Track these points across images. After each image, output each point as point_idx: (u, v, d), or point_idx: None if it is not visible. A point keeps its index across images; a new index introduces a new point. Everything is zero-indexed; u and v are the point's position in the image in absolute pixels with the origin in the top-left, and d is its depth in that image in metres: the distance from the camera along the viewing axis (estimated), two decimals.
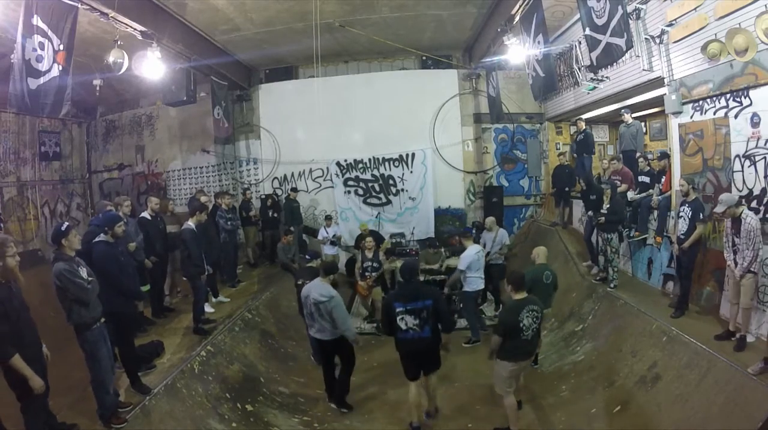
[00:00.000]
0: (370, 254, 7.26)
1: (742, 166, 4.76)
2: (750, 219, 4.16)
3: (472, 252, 6.39)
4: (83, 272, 3.61)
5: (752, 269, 4.17)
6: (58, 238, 3.56)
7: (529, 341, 4.14)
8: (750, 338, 4.32)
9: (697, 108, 5.34)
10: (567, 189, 8.84)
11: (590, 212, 7.02)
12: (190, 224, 5.78)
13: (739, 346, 4.21)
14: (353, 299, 8.39)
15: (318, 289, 4.81)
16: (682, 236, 5.05)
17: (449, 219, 10.56)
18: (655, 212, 6.25)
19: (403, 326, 4.15)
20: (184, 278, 6.02)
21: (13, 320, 3.11)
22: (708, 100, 5.15)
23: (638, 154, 7.15)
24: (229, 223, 7.71)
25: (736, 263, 4.28)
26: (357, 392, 5.31)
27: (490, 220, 7.52)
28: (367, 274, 7.18)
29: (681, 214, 5.11)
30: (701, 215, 4.94)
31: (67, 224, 3.69)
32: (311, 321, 4.97)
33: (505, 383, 4.25)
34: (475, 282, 6.46)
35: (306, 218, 10.42)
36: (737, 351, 4.16)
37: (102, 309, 3.72)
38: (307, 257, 6.29)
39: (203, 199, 7.30)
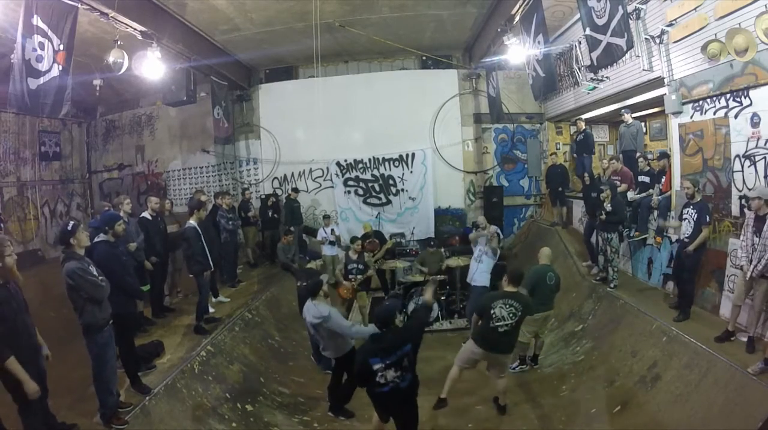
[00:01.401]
0: (355, 256, 7.06)
1: (742, 166, 4.75)
2: None
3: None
4: (94, 271, 3.61)
5: (766, 275, 4.00)
6: (65, 238, 3.54)
7: (499, 334, 4.26)
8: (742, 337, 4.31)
9: (697, 108, 5.34)
10: (560, 189, 8.86)
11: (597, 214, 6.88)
12: (192, 222, 5.89)
13: (749, 347, 4.11)
14: (352, 303, 8.36)
15: (311, 312, 4.63)
16: (686, 239, 4.96)
17: (449, 219, 10.57)
18: (655, 212, 6.24)
19: (383, 381, 3.54)
20: (191, 275, 6.06)
21: (9, 321, 3.09)
22: (708, 100, 5.15)
23: (638, 154, 7.14)
24: (230, 223, 7.70)
25: (752, 264, 4.11)
26: (357, 393, 5.28)
27: (482, 219, 7.48)
28: (351, 275, 6.98)
29: (685, 216, 5.02)
30: (707, 217, 4.84)
31: (72, 222, 3.68)
32: (318, 341, 4.99)
33: (463, 360, 4.44)
34: (487, 277, 6.50)
35: (306, 218, 10.42)
36: (749, 353, 4.05)
37: (111, 310, 3.71)
38: (306, 257, 6.25)
39: (203, 198, 7.30)
